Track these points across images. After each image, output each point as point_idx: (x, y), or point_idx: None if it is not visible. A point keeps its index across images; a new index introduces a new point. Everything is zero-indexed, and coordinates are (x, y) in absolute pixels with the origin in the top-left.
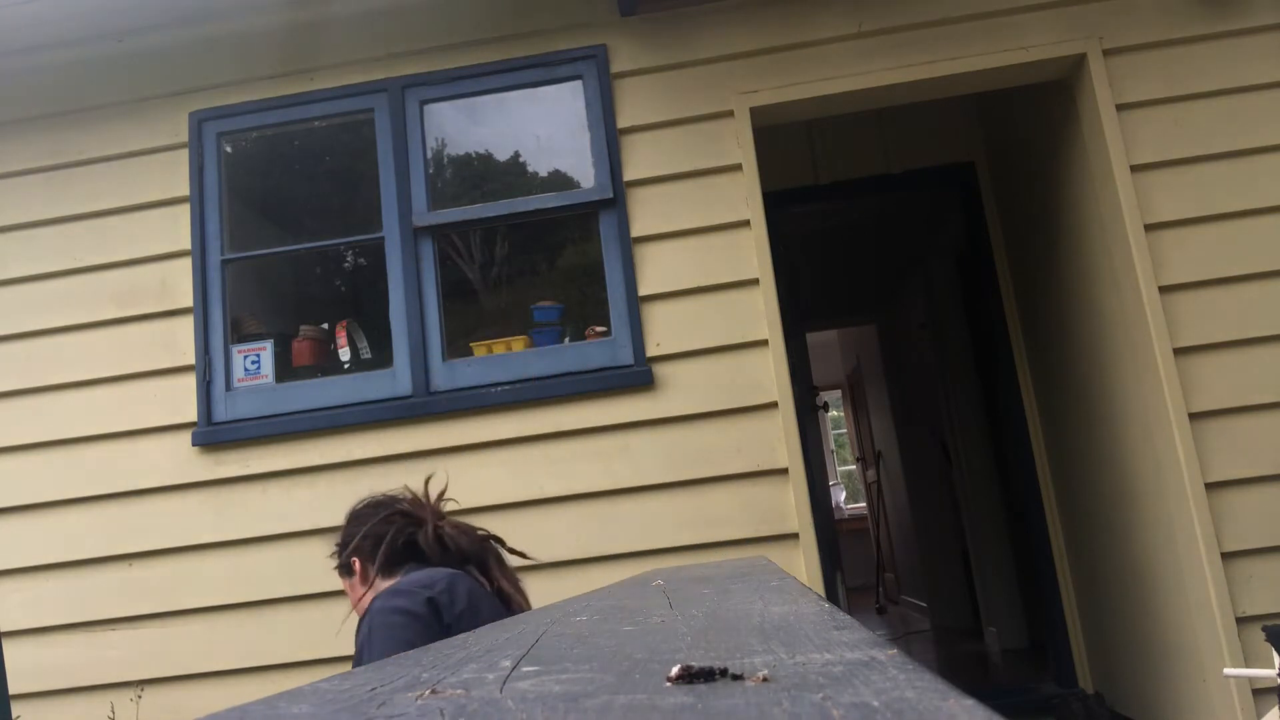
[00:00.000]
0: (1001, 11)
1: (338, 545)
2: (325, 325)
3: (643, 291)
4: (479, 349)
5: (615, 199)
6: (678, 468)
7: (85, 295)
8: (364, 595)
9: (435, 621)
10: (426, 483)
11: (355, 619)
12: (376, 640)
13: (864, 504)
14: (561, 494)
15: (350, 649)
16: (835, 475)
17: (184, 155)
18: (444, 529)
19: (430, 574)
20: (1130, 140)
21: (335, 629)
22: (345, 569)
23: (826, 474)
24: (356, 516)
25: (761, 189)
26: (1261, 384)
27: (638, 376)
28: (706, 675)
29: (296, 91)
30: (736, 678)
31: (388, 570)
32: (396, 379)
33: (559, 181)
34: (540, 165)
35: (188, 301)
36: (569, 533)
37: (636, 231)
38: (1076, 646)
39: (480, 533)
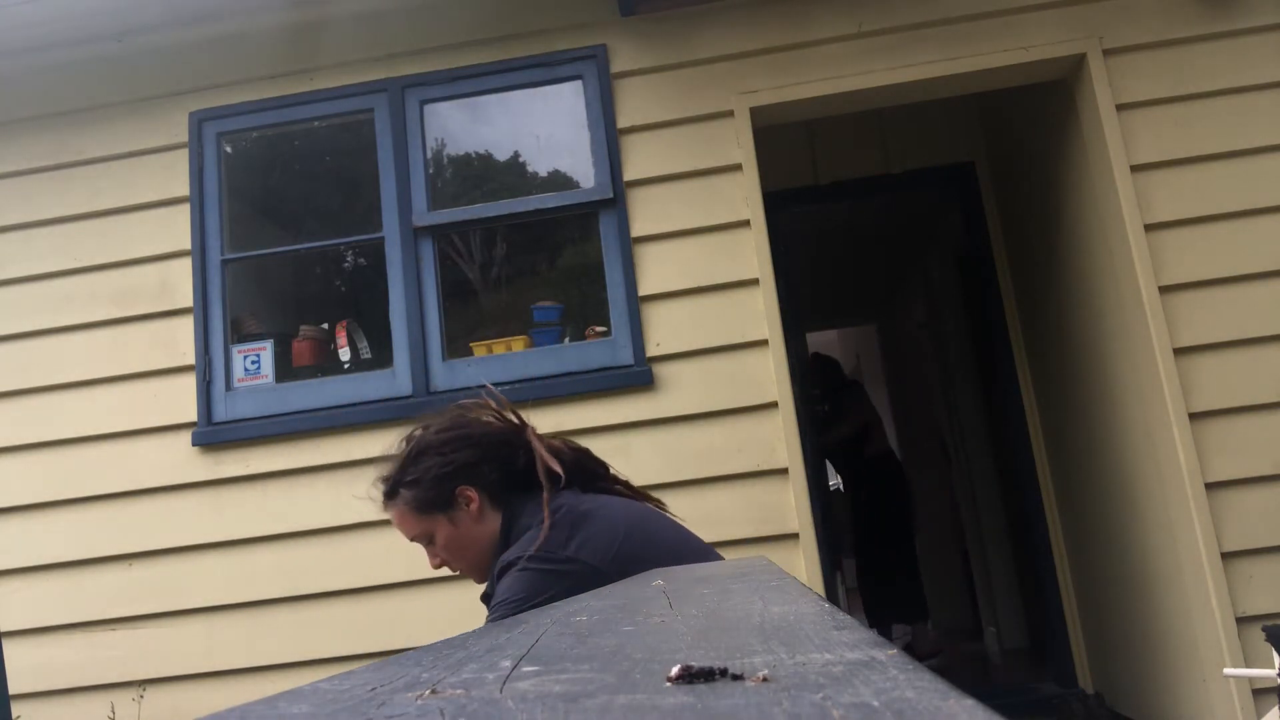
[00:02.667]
0: (1001, 11)
1: (414, 476)
2: (325, 325)
3: (643, 291)
4: (479, 349)
5: (615, 199)
6: (678, 468)
7: (85, 295)
8: (479, 535)
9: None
10: (507, 407)
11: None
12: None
13: None
14: None
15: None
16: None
17: (184, 155)
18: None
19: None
20: (1130, 140)
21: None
22: (442, 504)
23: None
24: (460, 439)
25: (761, 189)
26: (1261, 384)
27: (638, 376)
28: (706, 675)
29: (296, 91)
30: (736, 678)
31: (495, 504)
32: (396, 379)
33: (559, 181)
34: (540, 165)
35: (188, 301)
36: None
37: (636, 231)
38: (1076, 646)
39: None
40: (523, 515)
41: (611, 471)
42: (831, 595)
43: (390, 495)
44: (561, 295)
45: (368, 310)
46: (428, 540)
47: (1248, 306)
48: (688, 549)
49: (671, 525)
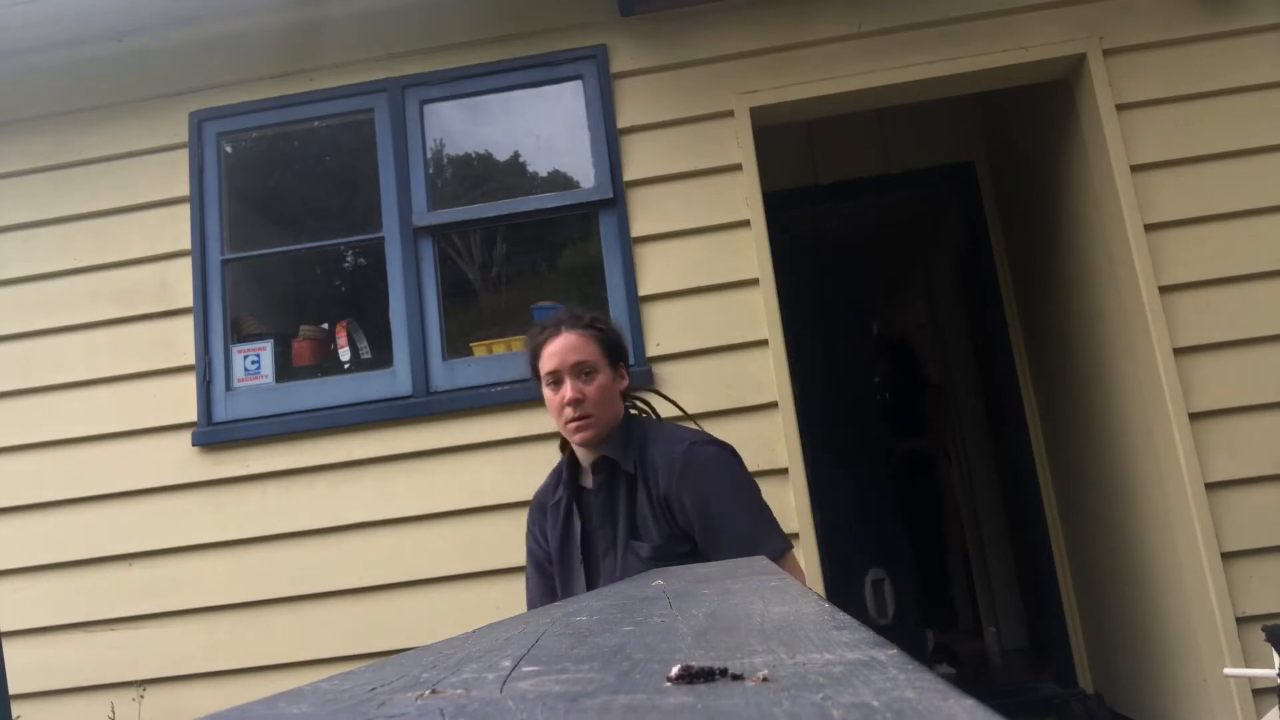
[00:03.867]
0: (1001, 11)
1: (609, 329)
2: (325, 325)
3: (643, 291)
4: (479, 349)
5: (615, 199)
6: None
7: (85, 295)
8: (615, 404)
9: None
10: None
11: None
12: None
13: None
14: None
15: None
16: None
17: (184, 155)
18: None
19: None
20: (1130, 140)
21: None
22: (616, 360)
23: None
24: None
25: (761, 189)
26: (1261, 384)
27: (638, 377)
28: (706, 675)
29: (296, 91)
30: (736, 678)
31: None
32: (396, 379)
33: (559, 181)
34: (540, 165)
35: (188, 301)
36: None
37: (636, 231)
38: (1076, 646)
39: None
40: (635, 425)
41: None
42: (859, 605)
43: (587, 326)
44: (561, 295)
45: (368, 310)
46: (588, 373)
47: (1248, 306)
48: None
49: None
